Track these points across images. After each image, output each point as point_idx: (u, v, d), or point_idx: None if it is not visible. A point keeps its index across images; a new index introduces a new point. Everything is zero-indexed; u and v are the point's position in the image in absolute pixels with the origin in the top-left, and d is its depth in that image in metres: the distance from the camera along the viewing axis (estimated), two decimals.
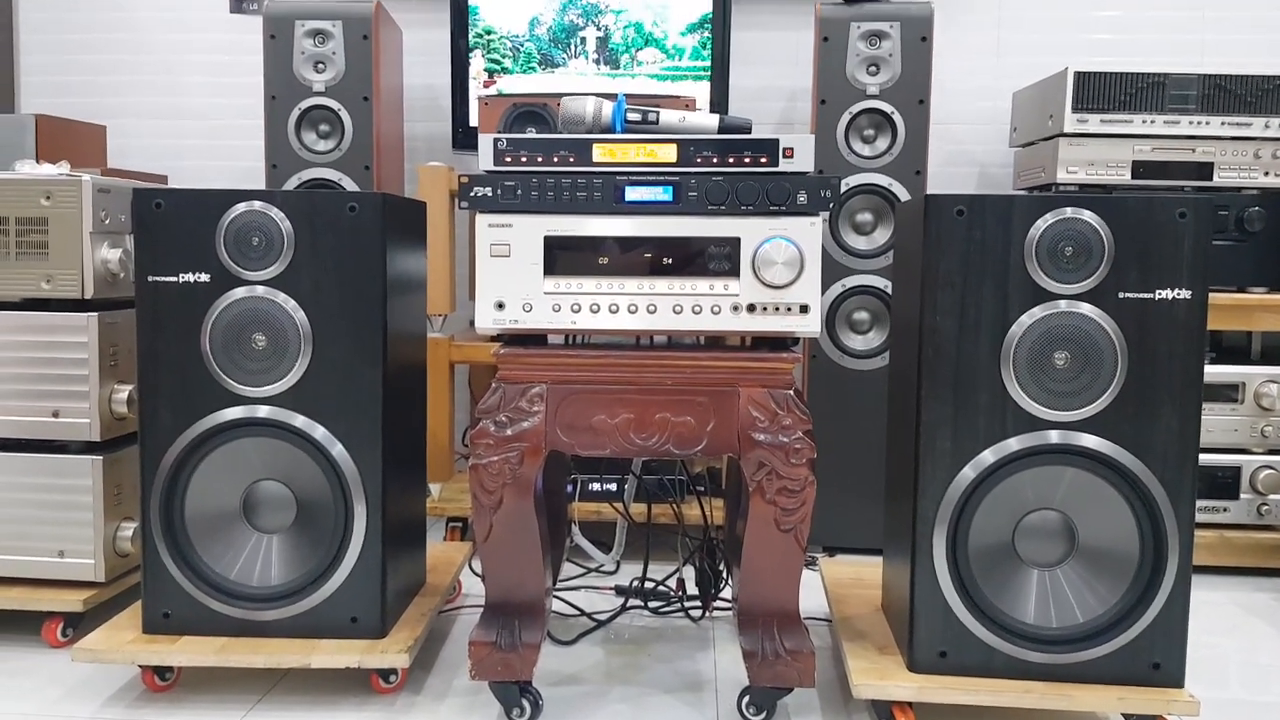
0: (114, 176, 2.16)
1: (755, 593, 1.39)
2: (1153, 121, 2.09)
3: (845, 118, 2.14)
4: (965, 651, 1.34)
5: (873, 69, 2.14)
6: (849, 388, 2.18)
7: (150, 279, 1.46)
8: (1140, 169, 2.12)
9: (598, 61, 2.44)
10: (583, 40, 2.44)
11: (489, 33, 2.43)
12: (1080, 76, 2.09)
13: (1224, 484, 2.10)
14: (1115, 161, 2.12)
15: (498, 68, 2.44)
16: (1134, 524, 1.32)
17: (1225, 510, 2.11)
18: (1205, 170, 2.11)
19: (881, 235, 2.18)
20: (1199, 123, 2.09)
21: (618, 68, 2.43)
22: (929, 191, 2.19)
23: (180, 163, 2.77)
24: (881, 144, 2.16)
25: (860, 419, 2.17)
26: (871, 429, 2.16)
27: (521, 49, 2.44)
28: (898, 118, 2.13)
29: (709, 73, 2.43)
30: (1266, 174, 2.10)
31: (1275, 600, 2.00)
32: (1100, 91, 2.09)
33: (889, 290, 2.16)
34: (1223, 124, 2.09)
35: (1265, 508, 2.10)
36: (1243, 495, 2.11)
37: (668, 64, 2.42)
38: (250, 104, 2.66)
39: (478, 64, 2.44)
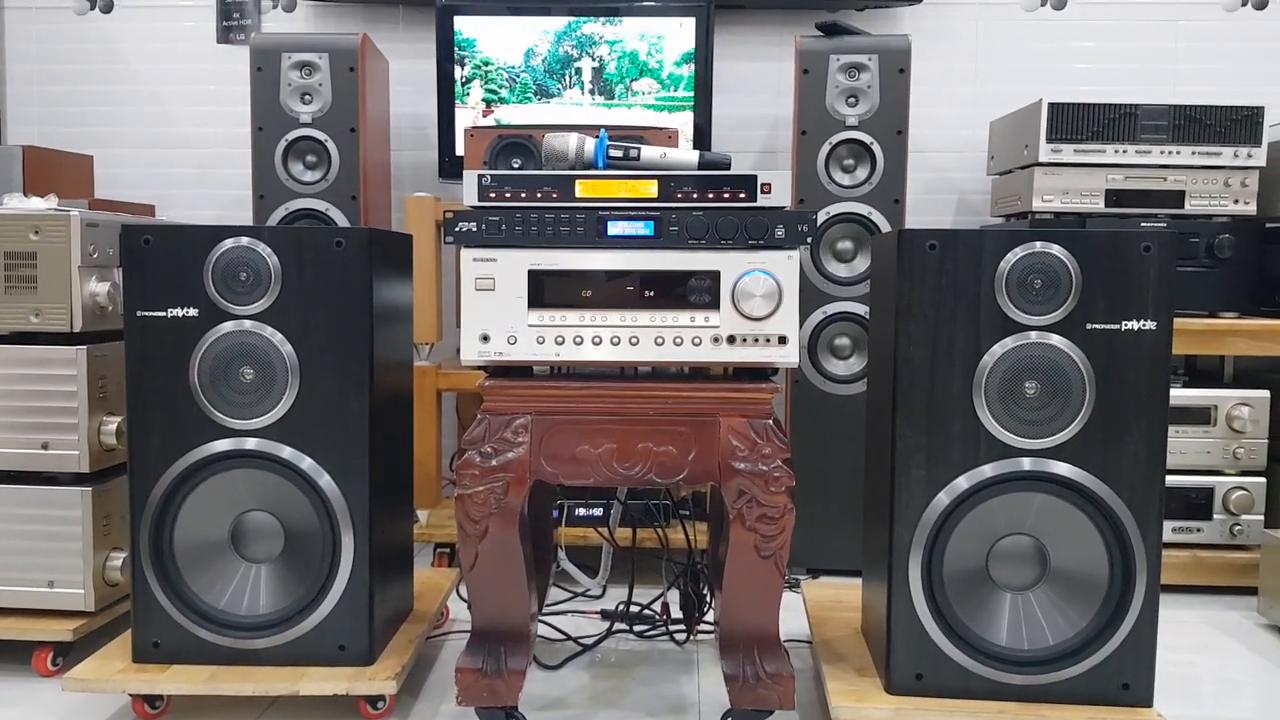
0: (101, 207, 2.19)
1: (736, 617, 1.42)
2: (1125, 151, 2.14)
3: (825, 148, 2.19)
4: (941, 674, 1.37)
5: (852, 100, 2.19)
6: (831, 412, 2.22)
7: (139, 314, 1.48)
8: (1113, 197, 2.17)
9: (593, 92, 2.48)
10: (578, 71, 2.48)
11: (486, 64, 2.47)
12: (1054, 107, 2.14)
13: (1197, 505, 2.14)
14: (1089, 190, 2.17)
15: (494, 98, 2.48)
16: (1103, 548, 1.36)
17: (1199, 530, 2.15)
18: (1176, 198, 2.17)
19: (861, 263, 2.22)
20: (1170, 152, 2.15)
21: (612, 98, 2.48)
22: (908, 217, 2.24)
23: (168, 192, 2.80)
24: (861, 173, 2.20)
25: (843, 442, 2.20)
26: (854, 452, 2.20)
27: (518, 80, 2.48)
28: (876, 148, 2.18)
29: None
30: (1235, 202, 2.16)
31: (1246, 619, 2.04)
32: (1074, 122, 2.14)
33: (869, 317, 2.20)
34: (1193, 153, 2.14)
35: (1238, 528, 2.14)
36: (1215, 516, 2.15)
37: (663, 94, 2.46)
38: (238, 133, 2.70)
39: (476, 94, 2.48)
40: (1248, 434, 2.14)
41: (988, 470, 1.35)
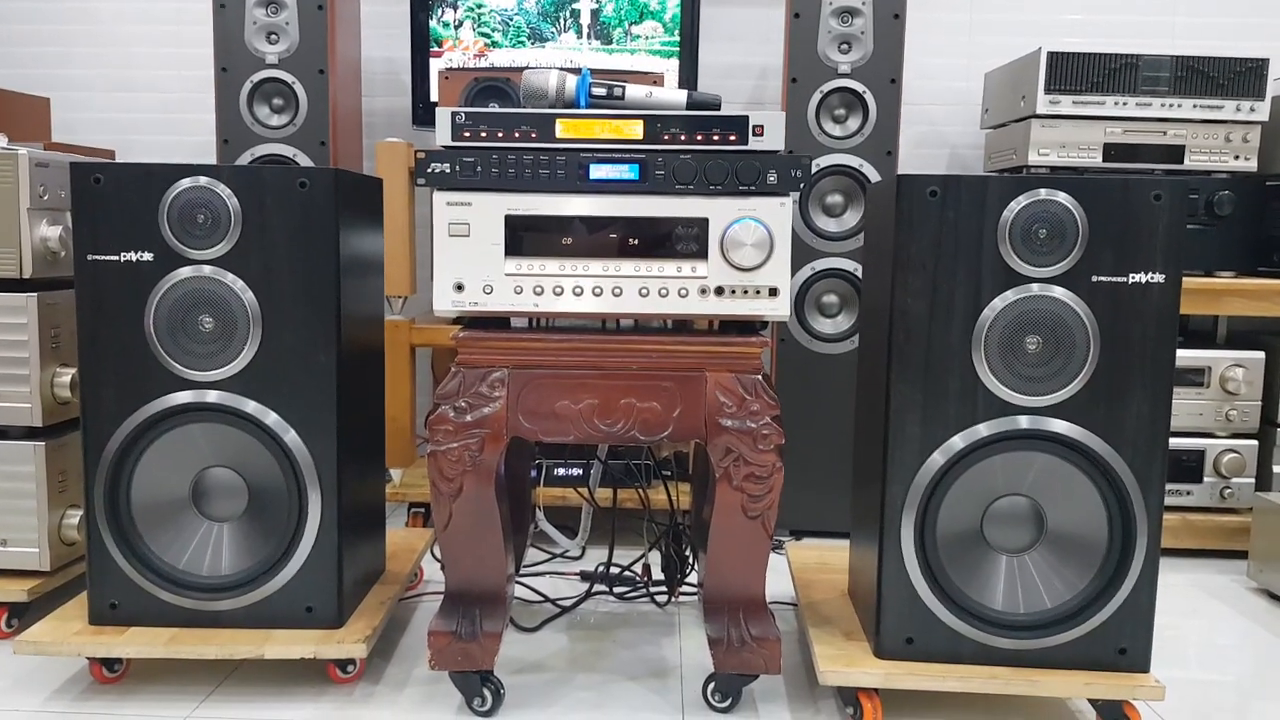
0: (58, 151, 2.08)
1: (721, 579, 1.37)
2: (1125, 103, 2.08)
3: (816, 97, 2.11)
4: (932, 638, 1.33)
5: (844, 47, 2.10)
6: (817, 371, 2.16)
7: (90, 258, 1.39)
8: (1111, 151, 2.10)
9: (590, 36, 2.37)
10: (574, 13, 2.36)
11: (480, 6, 2.35)
12: (1054, 57, 2.07)
13: (1188, 467, 2.10)
14: (1087, 144, 2.10)
15: (487, 41, 2.37)
16: (1103, 510, 1.31)
17: (1188, 494, 2.12)
18: (1176, 153, 2.10)
19: (851, 217, 2.15)
20: (1171, 105, 2.08)
21: (610, 42, 2.36)
22: (900, 173, 2.17)
23: (130, 137, 2.67)
24: (853, 124, 2.13)
25: (828, 403, 2.15)
26: (840, 413, 2.14)
27: (511, 23, 2.37)
28: (869, 97, 2.10)
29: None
30: (1236, 158, 2.10)
31: (1235, 582, 2.01)
32: (1073, 72, 2.07)
33: (858, 273, 2.14)
34: (1194, 106, 2.08)
35: (1228, 491, 2.11)
36: (1206, 479, 2.12)
37: (667, 39, 2.35)
38: (203, 76, 2.57)
39: (467, 37, 2.35)
40: (1241, 396, 2.10)
41: (985, 429, 1.30)
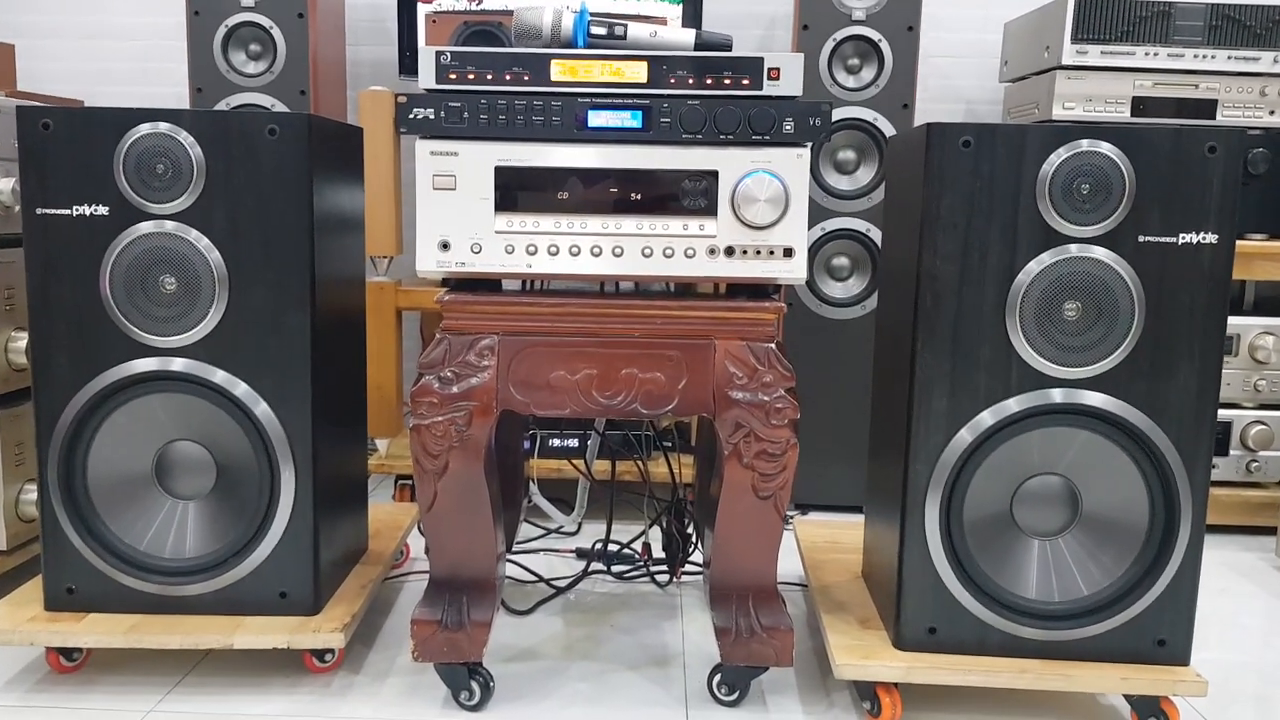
0: (22, 99, 1.94)
1: (729, 564, 1.27)
2: (1156, 54, 1.95)
3: (829, 45, 1.98)
4: (957, 628, 1.23)
5: None
6: (827, 337, 2.05)
7: (39, 212, 1.26)
8: (1140, 105, 1.98)
9: None
10: None
11: None
12: (1082, 4, 1.93)
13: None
14: (1114, 97, 1.98)
15: None
16: (1144, 490, 1.21)
17: (1214, 467, 2.01)
18: (1208, 108, 1.98)
19: (865, 174, 2.02)
20: (1204, 56, 1.95)
21: None
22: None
23: (100, 88, 2.53)
24: (867, 74, 2.00)
25: (838, 370, 2.04)
26: (850, 381, 2.04)
27: None
28: (885, 46, 1.97)
29: None
30: (1273, 113, 1.98)
31: (1262, 560, 1.92)
32: (1102, 20, 1.94)
33: (871, 234, 2.02)
34: (1229, 58, 1.95)
35: (1255, 464, 2.02)
36: (1232, 451, 2.02)
37: None
38: (178, 23, 2.42)
39: None
40: (1270, 365, 2.00)
41: (1018, 403, 1.19)
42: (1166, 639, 1.22)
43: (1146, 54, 1.95)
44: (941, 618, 1.23)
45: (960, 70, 2.49)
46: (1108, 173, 1.15)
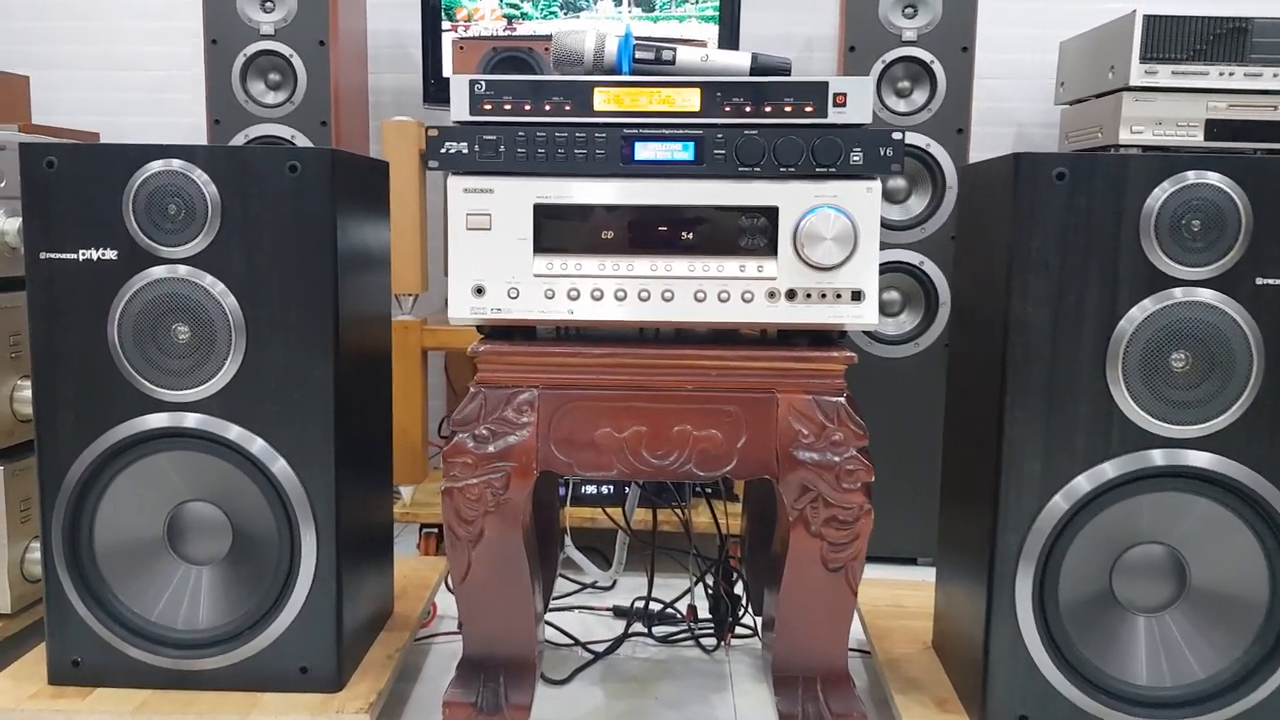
0: (38, 134, 1.86)
1: (795, 644, 1.14)
2: (1232, 74, 1.82)
3: (878, 67, 1.87)
4: (1052, 715, 1.10)
5: (909, 10, 1.86)
6: (877, 376, 1.93)
7: (43, 256, 1.17)
8: (1214, 129, 1.85)
9: (630, 4, 2.11)
10: None
11: None
12: (1151, 20, 1.81)
13: None
14: (1186, 120, 1.85)
15: (516, 13, 2.11)
16: (1263, 562, 1.08)
17: None
18: None
19: (917, 203, 1.91)
20: None
21: (653, 10, 2.10)
22: (970, 154, 1.93)
23: (117, 119, 2.45)
24: (919, 98, 1.89)
25: (891, 411, 1.92)
26: (903, 424, 1.91)
27: None
28: (938, 67, 1.86)
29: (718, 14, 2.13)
30: None
31: None
32: (1173, 38, 1.82)
33: (925, 267, 1.90)
34: None
35: None
36: None
37: (705, 3, 2.07)
38: (196, 52, 2.34)
39: (486, 5, 2.08)
40: None
41: (1116, 468, 1.06)
42: None
43: (1221, 74, 1.83)
44: (1033, 704, 1.10)
45: (1012, 92, 2.38)
46: (1221, 206, 1.03)
